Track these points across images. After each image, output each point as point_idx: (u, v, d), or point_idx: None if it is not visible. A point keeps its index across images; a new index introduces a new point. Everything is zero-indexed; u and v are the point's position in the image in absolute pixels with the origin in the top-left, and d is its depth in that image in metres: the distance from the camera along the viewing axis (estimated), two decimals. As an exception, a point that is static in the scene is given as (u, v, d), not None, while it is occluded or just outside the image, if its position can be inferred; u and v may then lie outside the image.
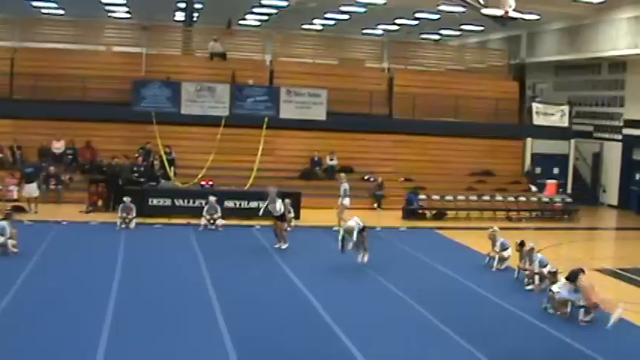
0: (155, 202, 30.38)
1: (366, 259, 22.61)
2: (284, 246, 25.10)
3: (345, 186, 29.61)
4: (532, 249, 21.75)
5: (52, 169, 33.41)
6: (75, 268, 19.73)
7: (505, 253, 23.64)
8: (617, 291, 21.16)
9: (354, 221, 22.62)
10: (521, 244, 22.15)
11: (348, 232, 22.37)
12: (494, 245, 24.02)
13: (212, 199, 28.55)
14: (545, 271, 20.67)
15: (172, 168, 34.56)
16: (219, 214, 28.24)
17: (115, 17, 50.34)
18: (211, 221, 27.96)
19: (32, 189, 30.94)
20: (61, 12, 48.49)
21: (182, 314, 17.22)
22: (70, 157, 35.39)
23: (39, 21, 43.78)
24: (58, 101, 35.58)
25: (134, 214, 27.80)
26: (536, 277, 20.90)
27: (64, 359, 14.33)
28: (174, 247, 25.07)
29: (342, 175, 31.26)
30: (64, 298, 18.03)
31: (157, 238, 26.19)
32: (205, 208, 28.44)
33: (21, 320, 16.29)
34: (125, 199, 27.99)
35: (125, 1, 45.87)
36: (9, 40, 38.37)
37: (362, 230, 22.60)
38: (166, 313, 17.26)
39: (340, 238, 22.45)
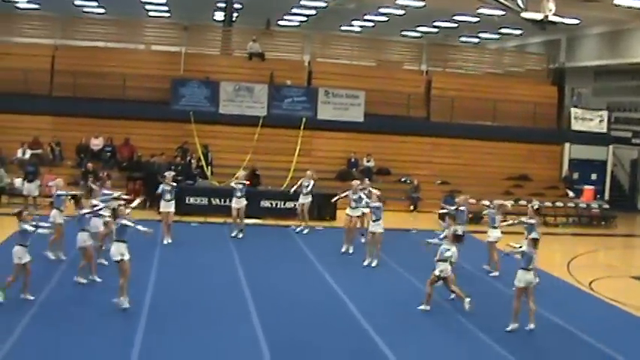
0: (192, 200, 30.54)
1: (374, 263, 22.89)
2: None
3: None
4: None
5: (90, 165, 33.64)
6: (111, 264, 19.78)
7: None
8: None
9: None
10: None
11: None
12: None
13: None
14: None
15: (209, 167, 34.72)
16: None
17: (154, 16, 50.64)
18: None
19: (32, 188, 31.06)
20: (102, 11, 48.82)
21: (217, 312, 17.33)
22: (108, 154, 35.62)
23: (80, 19, 44.04)
24: (98, 99, 35.90)
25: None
26: None
27: (100, 354, 14.46)
28: (210, 245, 25.17)
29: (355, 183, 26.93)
30: (100, 294, 18.17)
31: (193, 237, 26.29)
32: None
33: (58, 314, 16.51)
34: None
35: (165, 1, 46.10)
36: (50, 37, 38.73)
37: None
38: (201, 311, 17.38)
39: None
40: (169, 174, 26.07)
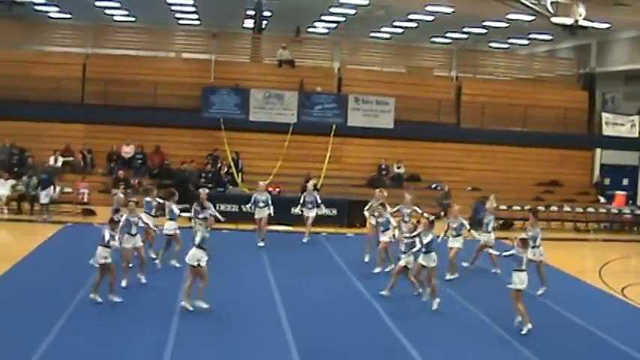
0: (222, 207, 30.53)
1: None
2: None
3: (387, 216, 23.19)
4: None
5: (121, 173, 33.88)
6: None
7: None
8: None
9: None
10: None
11: None
12: None
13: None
14: None
15: (240, 174, 34.83)
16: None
17: (184, 24, 50.87)
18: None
19: (42, 196, 30.98)
20: (133, 19, 49.13)
21: (247, 319, 17.34)
22: (139, 161, 35.85)
23: (110, 28, 44.46)
24: (129, 106, 36.11)
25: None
26: None
27: (132, 358, 14.58)
28: (241, 252, 25.21)
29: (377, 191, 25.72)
30: (131, 299, 18.31)
31: (224, 244, 26.34)
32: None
33: (91, 318, 16.61)
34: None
35: (195, 9, 46.31)
36: (81, 46, 39.03)
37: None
38: (232, 318, 17.41)
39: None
40: (263, 183, 27.23)
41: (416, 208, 24.19)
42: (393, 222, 22.43)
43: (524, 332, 17.11)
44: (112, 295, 17.96)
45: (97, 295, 17.85)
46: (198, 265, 17.65)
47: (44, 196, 30.95)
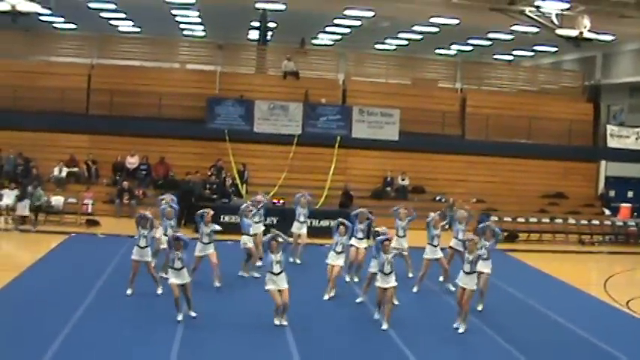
0: (227, 218, 30.50)
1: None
2: None
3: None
4: None
5: (125, 183, 33.88)
6: (147, 279, 19.90)
7: None
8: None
9: None
10: None
11: None
12: None
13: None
14: None
15: (244, 185, 34.83)
16: None
17: (189, 35, 50.96)
18: None
19: (20, 207, 30.30)
20: (138, 30, 49.22)
21: (251, 329, 17.34)
22: (143, 172, 35.85)
23: (116, 39, 44.57)
24: (133, 117, 36.21)
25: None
26: None
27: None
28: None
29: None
30: (134, 310, 18.36)
31: (228, 254, 26.28)
32: None
33: (96, 327, 16.61)
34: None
35: (200, 20, 46.38)
36: (86, 56, 39.11)
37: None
38: (235, 328, 17.43)
39: None
40: (302, 196, 25.76)
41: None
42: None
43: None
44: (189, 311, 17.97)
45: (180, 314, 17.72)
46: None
47: (22, 207, 30.26)
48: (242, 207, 23.19)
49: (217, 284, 21.11)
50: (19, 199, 30.46)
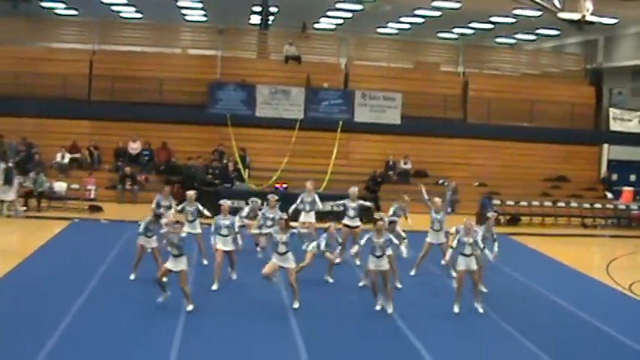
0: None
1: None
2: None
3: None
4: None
5: (127, 169, 33.92)
6: (150, 265, 19.89)
7: None
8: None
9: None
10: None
11: None
12: None
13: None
14: None
15: (247, 170, 34.83)
16: None
17: (191, 20, 50.87)
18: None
19: (4, 191, 29.99)
20: (139, 15, 49.13)
21: (255, 316, 17.34)
22: (146, 157, 35.88)
23: (117, 24, 44.47)
24: (135, 103, 36.17)
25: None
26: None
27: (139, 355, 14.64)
28: (249, 248, 25.13)
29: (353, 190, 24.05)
30: (136, 297, 18.34)
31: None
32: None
33: (98, 315, 16.61)
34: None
35: (202, 5, 46.30)
36: (88, 42, 39.06)
37: None
38: (239, 314, 17.45)
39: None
40: (309, 183, 24.77)
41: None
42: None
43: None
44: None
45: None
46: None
47: (6, 193, 29.94)
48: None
49: (234, 277, 20.87)
50: (4, 183, 29.96)
